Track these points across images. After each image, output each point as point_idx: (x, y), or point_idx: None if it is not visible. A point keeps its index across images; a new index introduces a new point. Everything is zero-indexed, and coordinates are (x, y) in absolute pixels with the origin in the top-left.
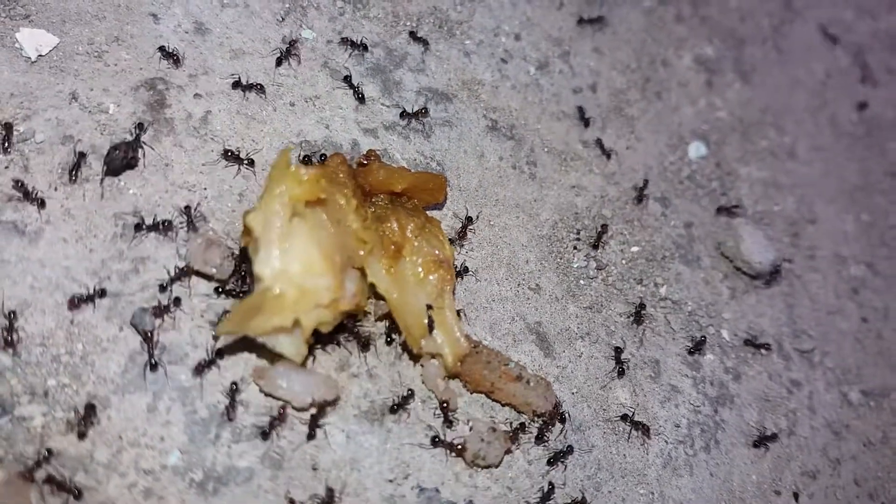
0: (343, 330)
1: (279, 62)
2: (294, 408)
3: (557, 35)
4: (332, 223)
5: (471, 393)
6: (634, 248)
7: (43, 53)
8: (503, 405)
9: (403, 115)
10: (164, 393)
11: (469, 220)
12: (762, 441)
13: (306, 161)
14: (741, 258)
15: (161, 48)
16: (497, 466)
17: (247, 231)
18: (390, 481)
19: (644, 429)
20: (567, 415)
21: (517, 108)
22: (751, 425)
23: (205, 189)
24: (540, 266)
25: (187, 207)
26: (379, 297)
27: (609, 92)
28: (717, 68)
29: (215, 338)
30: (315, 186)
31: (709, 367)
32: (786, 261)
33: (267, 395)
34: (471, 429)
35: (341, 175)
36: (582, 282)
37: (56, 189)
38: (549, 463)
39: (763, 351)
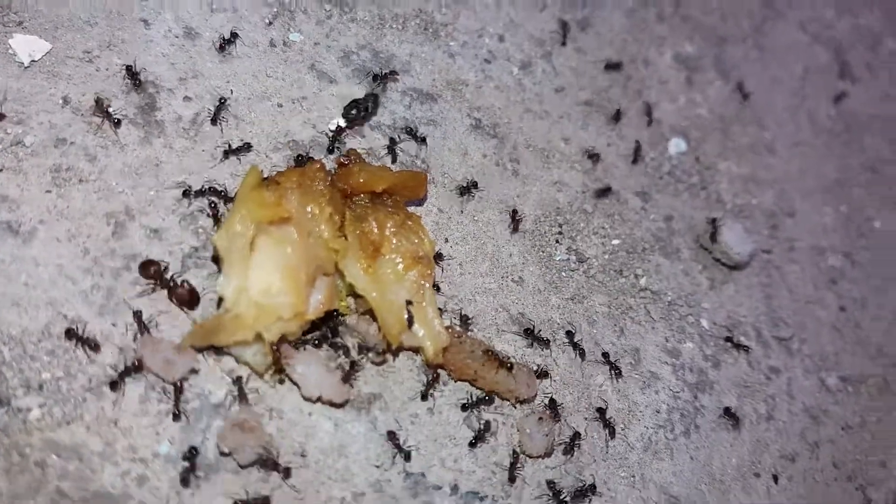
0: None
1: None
2: (304, 397)
3: (540, 36)
4: (302, 236)
5: (455, 381)
6: (615, 241)
7: (36, 59)
8: (487, 392)
9: (376, 77)
10: (155, 384)
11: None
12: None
13: (300, 161)
14: (720, 249)
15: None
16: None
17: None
18: (377, 467)
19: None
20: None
21: (500, 107)
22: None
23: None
24: (523, 259)
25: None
26: (359, 296)
27: (591, 91)
28: (698, 66)
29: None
30: (278, 209)
31: (688, 355)
32: (764, 252)
33: (280, 371)
34: (519, 435)
35: (318, 182)
36: (564, 274)
37: (49, 191)
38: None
39: (742, 351)
